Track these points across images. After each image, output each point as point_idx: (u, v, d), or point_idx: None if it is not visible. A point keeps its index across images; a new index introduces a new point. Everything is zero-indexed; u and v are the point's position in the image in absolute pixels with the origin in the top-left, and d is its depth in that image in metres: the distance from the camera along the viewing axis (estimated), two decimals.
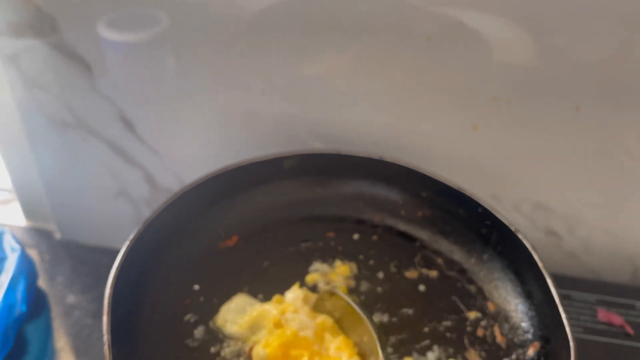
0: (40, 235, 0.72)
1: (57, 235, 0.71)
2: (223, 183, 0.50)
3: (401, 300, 0.48)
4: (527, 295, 0.46)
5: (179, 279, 0.47)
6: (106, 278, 0.41)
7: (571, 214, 0.61)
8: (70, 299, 0.63)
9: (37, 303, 0.62)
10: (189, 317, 0.45)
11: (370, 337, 0.40)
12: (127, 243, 0.43)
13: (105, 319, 0.38)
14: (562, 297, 0.42)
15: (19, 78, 0.58)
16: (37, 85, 0.59)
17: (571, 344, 0.39)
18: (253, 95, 0.57)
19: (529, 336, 0.44)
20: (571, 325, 0.40)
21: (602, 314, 0.55)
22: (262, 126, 0.59)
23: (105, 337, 0.37)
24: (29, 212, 0.72)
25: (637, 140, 0.55)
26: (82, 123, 0.60)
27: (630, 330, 0.54)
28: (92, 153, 0.62)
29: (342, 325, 0.44)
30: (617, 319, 0.55)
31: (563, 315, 0.40)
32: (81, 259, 0.69)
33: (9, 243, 0.63)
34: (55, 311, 0.62)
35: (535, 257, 0.45)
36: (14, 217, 0.73)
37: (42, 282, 0.65)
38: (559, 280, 0.43)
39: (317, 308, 0.45)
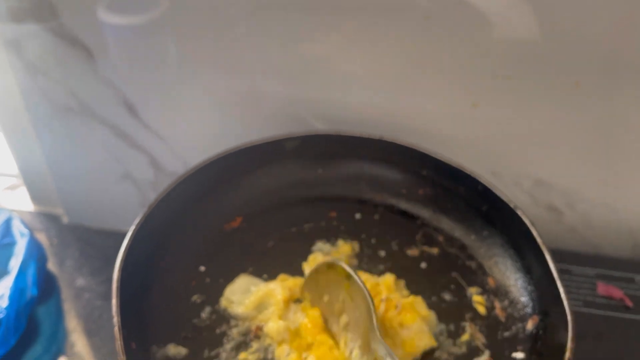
0: (48, 219, 0.73)
1: (65, 219, 0.72)
2: (226, 166, 0.51)
3: (402, 277, 0.48)
4: (527, 271, 0.47)
5: (185, 261, 0.48)
6: (114, 260, 0.42)
7: (571, 190, 0.61)
8: (80, 281, 0.65)
9: (47, 286, 0.63)
10: (196, 297, 0.46)
11: (366, 311, 0.41)
12: (133, 227, 0.44)
13: (114, 301, 0.39)
14: (563, 272, 0.43)
15: (21, 64, 0.58)
16: (39, 71, 0.59)
17: (569, 317, 0.39)
18: (254, 77, 0.57)
19: (529, 310, 0.45)
20: (570, 299, 0.41)
21: (602, 288, 0.56)
22: (263, 107, 0.59)
23: (115, 319, 0.38)
24: (36, 197, 0.73)
25: (637, 116, 0.55)
26: (86, 108, 0.61)
27: (629, 303, 0.55)
28: (96, 138, 0.63)
29: (332, 301, 0.44)
30: (617, 292, 0.55)
31: (561, 290, 0.41)
32: (89, 242, 0.70)
33: (18, 228, 0.64)
34: (66, 294, 0.63)
35: (534, 232, 0.45)
36: (22, 202, 0.74)
37: (51, 266, 0.66)
38: (560, 255, 0.44)
39: (307, 285, 0.46)
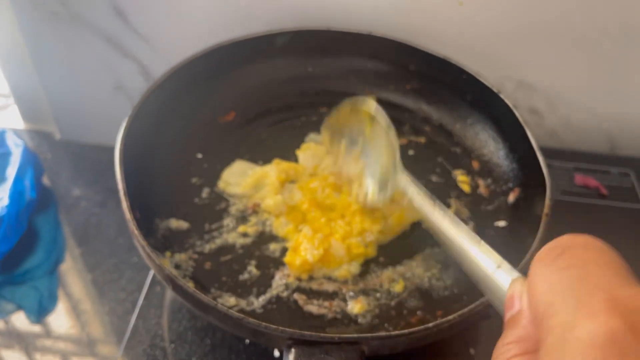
0: (40, 137, 0.73)
1: (57, 136, 0.72)
2: (218, 59, 0.52)
3: None
4: (510, 150, 0.49)
5: (182, 147, 0.50)
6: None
7: (553, 92, 0.63)
8: (76, 192, 0.66)
9: (44, 197, 0.64)
10: (195, 180, 0.48)
11: (387, 150, 0.42)
12: (133, 109, 0.45)
13: (117, 169, 0.40)
14: None
15: None
16: None
17: (547, 179, 0.42)
18: None
19: (510, 185, 0.48)
20: (548, 168, 0.43)
21: (579, 179, 0.59)
22: (254, 12, 0.59)
23: (120, 185, 0.40)
24: (27, 114, 0.73)
25: (616, 27, 0.57)
26: (75, 14, 0.61)
27: (604, 191, 0.58)
28: (86, 47, 0.63)
29: (350, 146, 0.46)
30: (593, 182, 0.59)
31: (541, 159, 0.44)
32: (83, 157, 0.71)
33: (12, 140, 0.65)
34: (63, 204, 0.65)
35: (517, 113, 0.48)
36: (13, 121, 0.74)
37: (46, 180, 0.67)
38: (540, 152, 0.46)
39: (327, 128, 0.47)
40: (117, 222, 0.61)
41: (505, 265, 0.24)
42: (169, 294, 0.47)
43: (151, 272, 0.49)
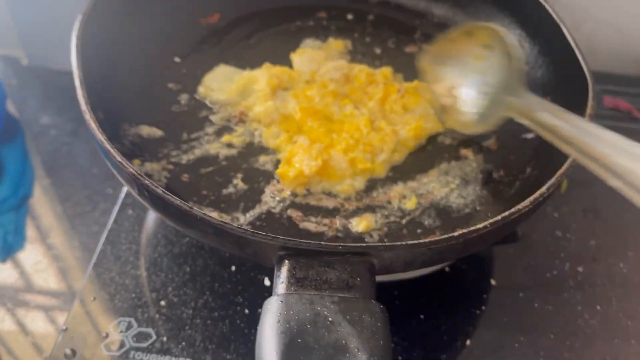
0: (5, 62, 0.66)
1: (24, 61, 0.65)
2: None
3: (400, 72, 0.44)
4: (540, 52, 0.43)
5: (157, 49, 0.43)
6: None
7: (578, 7, 0.57)
8: (45, 119, 0.60)
9: (9, 126, 0.58)
10: (172, 85, 0.41)
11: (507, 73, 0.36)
12: None
13: (73, 56, 0.33)
14: None
15: None
16: None
17: (588, 78, 0.36)
18: None
19: (540, 93, 0.42)
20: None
21: (609, 101, 0.53)
22: None
23: (76, 73, 0.32)
24: None
25: None
26: None
27: (637, 114, 0.52)
28: None
29: (443, 78, 0.41)
30: (625, 105, 0.52)
31: (579, 56, 0.37)
32: (52, 83, 0.64)
33: None
34: (30, 133, 0.59)
35: (549, 9, 0.41)
36: None
37: (11, 107, 0.61)
38: None
39: (431, 54, 0.41)
40: (91, 152, 0.55)
41: None
42: (143, 217, 0.41)
43: (124, 191, 0.42)
